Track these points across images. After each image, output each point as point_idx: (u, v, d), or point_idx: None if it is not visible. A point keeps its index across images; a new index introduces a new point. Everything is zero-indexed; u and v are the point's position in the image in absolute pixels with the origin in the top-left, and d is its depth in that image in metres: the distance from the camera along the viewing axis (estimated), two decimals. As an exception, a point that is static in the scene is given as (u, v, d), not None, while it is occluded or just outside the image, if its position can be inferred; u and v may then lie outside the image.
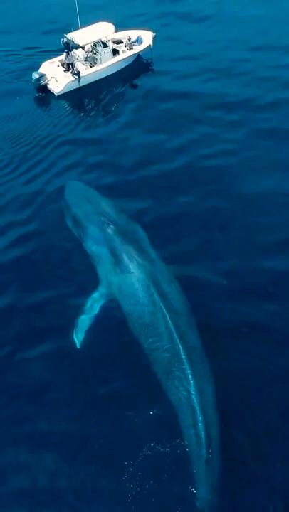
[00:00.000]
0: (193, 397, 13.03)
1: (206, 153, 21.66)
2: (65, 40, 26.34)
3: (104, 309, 15.45)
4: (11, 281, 17.43)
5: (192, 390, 13.11)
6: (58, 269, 17.49)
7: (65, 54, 26.46)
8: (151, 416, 13.43)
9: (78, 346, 14.87)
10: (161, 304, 14.77)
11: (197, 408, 12.83)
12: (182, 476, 12.32)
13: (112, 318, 15.31)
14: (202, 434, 12.45)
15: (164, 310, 14.60)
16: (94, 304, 15.78)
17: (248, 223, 18.52)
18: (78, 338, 15.03)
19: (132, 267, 15.95)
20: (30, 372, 14.95)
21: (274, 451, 13.00)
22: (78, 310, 15.33)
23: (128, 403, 13.77)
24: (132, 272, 15.84)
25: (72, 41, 26.16)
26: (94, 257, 16.91)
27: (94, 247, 16.97)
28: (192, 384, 13.20)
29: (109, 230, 16.91)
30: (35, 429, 13.88)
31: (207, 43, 28.91)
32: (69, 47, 26.42)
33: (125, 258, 16.18)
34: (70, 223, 18.11)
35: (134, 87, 27.02)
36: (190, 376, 13.33)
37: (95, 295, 15.98)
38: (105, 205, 17.99)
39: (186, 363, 13.53)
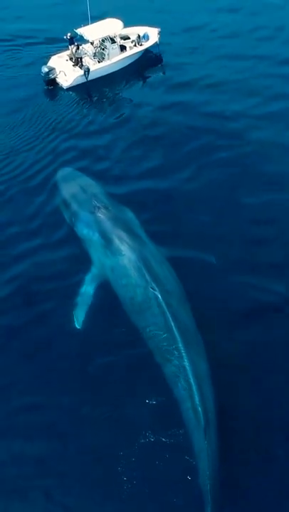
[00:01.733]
0: (188, 371, 13.60)
1: (207, 153, 22.35)
2: (69, 34, 27.05)
3: (104, 291, 16.20)
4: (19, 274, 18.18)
5: (186, 365, 13.68)
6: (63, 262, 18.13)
7: (74, 48, 27.07)
8: (148, 403, 13.95)
9: (78, 326, 15.65)
10: (153, 284, 15.34)
11: (192, 382, 13.41)
12: (178, 463, 12.83)
13: (112, 299, 16.05)
14: (199, 408, 13.03)
15: (156, 290, 15.19)
16: (88, 286, 16.53)
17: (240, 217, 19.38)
18: (78, 318, 15.82)
19: (123, 249, 16.55)
20: (30, 350, 15.64)
21: (276, 436, 13.73)
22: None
23: (125, 386, 14.37)
24: (124, 254, 16.46)
25: (82, 36, 26.80)
26: (85, 240, 17.62)
27: (85, 231, 17.69)
28: (186, 359, 13.76)
29: (100, 214, 17.63)
30: (29, 406, 14.37)
31: (212, 44, 29.60)
32: (73, 41, 27.15)
33: (116, 240, 16.81)
34: (62, 208, 18.85)
35: (140, 84, 27.71)
36: (184, 352, 13.86)
37: (88, 277, 16.72)
38: (96, 189, 18.83)
39: (179, 340, 14.07)
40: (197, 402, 13.17)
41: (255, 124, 23.73)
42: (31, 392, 14.75)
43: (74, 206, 18.42)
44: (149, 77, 28.15)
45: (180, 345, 14.08)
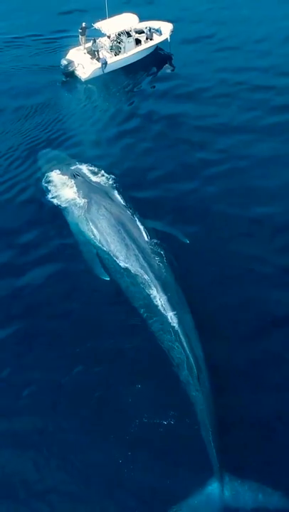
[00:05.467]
0: (175, 324, 14.52)
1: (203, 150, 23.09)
2: (84, 24, 28.40)
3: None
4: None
5: (172, 318, 14.63)
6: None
7: (91, 42, 28.30)
8: (142, 383, 14.24)
9: (107, 278, 16.43)
10: (133, 246, 16.46)
11: (180, 334, 14.24)
12: (175, 447, 13.12)
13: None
14: (190, 356, 13.76)
15: (137, 251, 16.30)
16: (84, 248, 17.47)
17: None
18: (99, 273, 16.59)
19: (101, 213, 17.61)
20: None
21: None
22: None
23: (118, 367, 14.71)
24: (102, 219, 17.50)
25: (96, 29, 28.01)
26: (65, 210, 18.68)
27: (64, 200, 18.85)
28: (171, 313, 14.73)
29: (78, 181, 19.02)
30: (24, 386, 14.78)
31: (219, 48, 30.47)
32: (85, 32, 28.42)
33: (94, 206, 17.92)
34: (42, 182, 20.07)
35: (151, 77, 28.65)
36: (168, 306, 14.84)
37: (78, 242, 17.72)
38: (74, 162, 20.22)
39: (163, 296, 15.08)
40: (188, 352, 13.90)
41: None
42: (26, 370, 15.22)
43: (53, 179, 19.84)
44: (160, 70, 29.17)
45: (163, 299, 15.03)
